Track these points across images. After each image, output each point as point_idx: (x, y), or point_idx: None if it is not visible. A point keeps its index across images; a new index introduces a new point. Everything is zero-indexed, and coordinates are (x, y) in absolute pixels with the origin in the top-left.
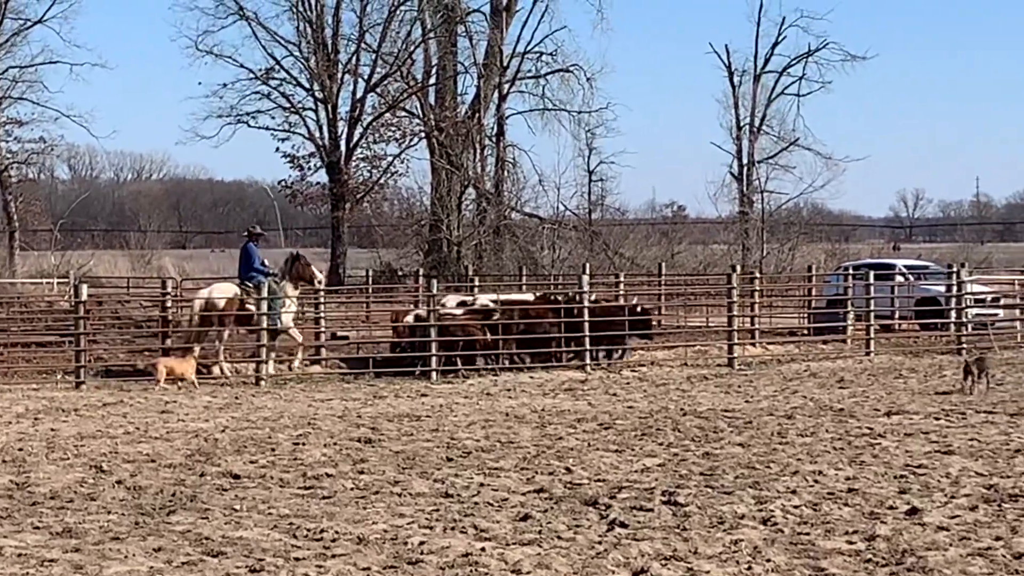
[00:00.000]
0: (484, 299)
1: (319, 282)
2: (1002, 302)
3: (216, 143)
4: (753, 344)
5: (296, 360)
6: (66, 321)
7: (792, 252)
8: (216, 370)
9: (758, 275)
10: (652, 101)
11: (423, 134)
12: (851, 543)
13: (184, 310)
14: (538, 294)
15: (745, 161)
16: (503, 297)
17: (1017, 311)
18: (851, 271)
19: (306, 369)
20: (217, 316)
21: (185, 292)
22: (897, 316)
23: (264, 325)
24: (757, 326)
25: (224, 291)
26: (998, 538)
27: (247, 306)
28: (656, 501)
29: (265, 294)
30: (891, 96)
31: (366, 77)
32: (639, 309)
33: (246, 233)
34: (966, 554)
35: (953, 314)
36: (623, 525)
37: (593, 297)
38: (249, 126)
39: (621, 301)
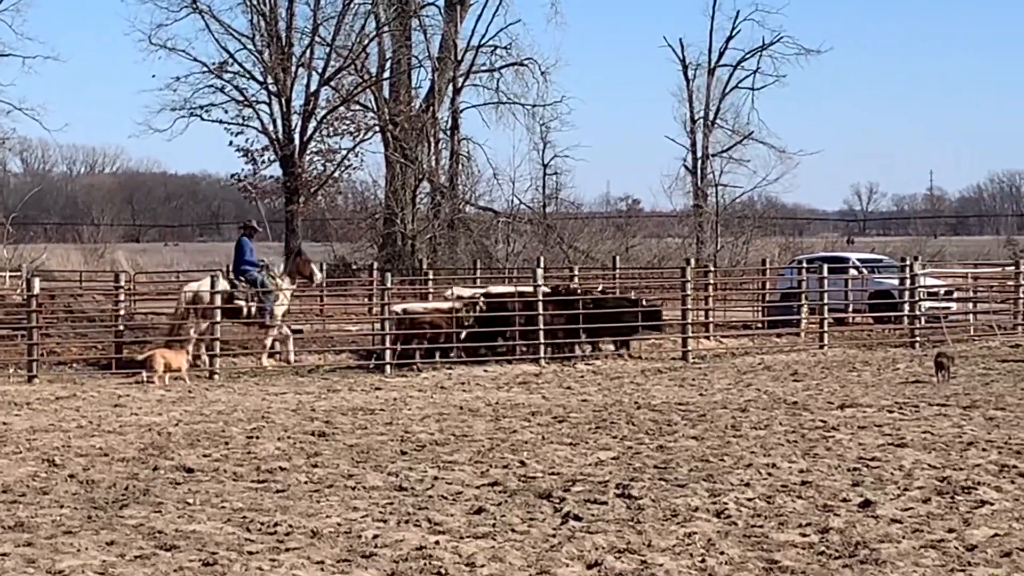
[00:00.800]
0: (498, 290)
1: (318, 279)
2: (955, 295)
3: (169, 136)
4: (707, 337)
5: (278, 353)
6: (18, 315)
7: (746, 245)
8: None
9: (712, 268)
10: (607, 95)
11: (377, 128)
12: (804, 535)
13: (172, 302)
14: (550, 287)
15: (699, 155)
16: (521, 289)
17: (970, 304)
18: (805, 264)
19: (260, 363)
20: (202, 309)
21: (139, 286)
22: (851, 309)
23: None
24: (711, 319)
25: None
26: (951, 530)
27: (236, 300)
28: (610, 494)
29: (258, 288)
30: (845, 90)
31: (320, 70)
32: (644, 301)
33: (241, 227)
34: (919, 546)
35: (906, 307)
36: (577, 518)
37: (600, 289)
38: (202, 119)
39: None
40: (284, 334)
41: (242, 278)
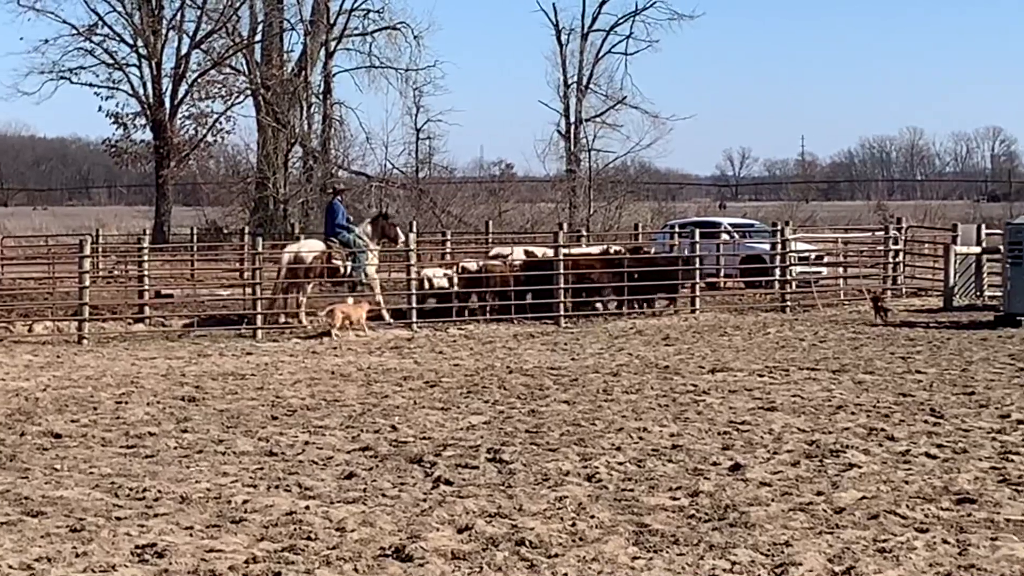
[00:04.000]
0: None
1: (403, 242)
2: (825, 260)
3: (38, 100)
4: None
5: (384, 312)
6: None
7: (619, 210)
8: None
9: (585, 233)
10: (480, 59)
11: (249, 91)
12: (675, 499)
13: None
14: (600, 248)
15: (573, 119)
16: (574, 250)
17: (840, 268)
18: (677, 229)
19: (129, 328)
20: (304, 269)
21: (7, 250)
22: (722, 274)
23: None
24: (584, 284)
25: (312, 247)
26: (819, 493)
27: (334, 260)
28: (481, 458)
29: (352, 248)
30: (718, 55)
31: (191, 33)
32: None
33: (331, 190)
34: (788, 509)
35: (777, 272)
36: (448, 483)
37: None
38: (72, 82)
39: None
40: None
41: (335, 239)
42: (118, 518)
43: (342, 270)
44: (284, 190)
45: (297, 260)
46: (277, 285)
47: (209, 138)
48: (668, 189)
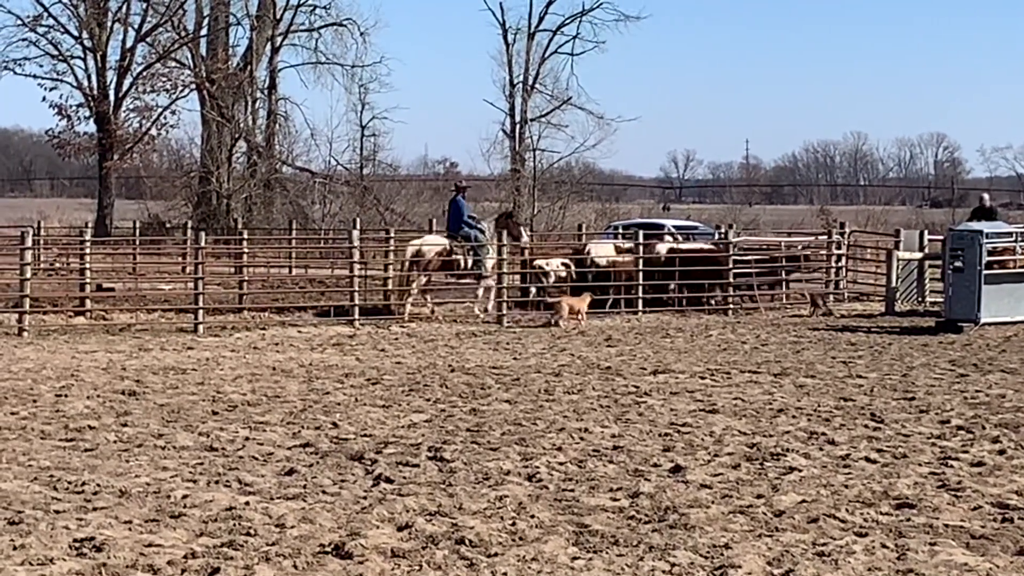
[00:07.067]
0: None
1: (524, 240)
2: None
3: None
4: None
5: (483, 304)
6: None
7: (563, 211)
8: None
9: (529, 233)
10: (426, 57)
11: (194, 85)
12: (615, 500)
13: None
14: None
15: (518, 119)
16: (686, 246)
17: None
18: (621, 230)
19: (70, 321)
20: (424, 263)
21: None
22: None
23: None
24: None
25: (436, 241)
26: (759, 496)
27: (455, 255)
28: (422, 457)
29: (472, 243)
30: (664, 57)
31: (136, 26)
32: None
33: (454, 187)
34: (728, 511)
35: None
36: (389, 480)
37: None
38: (16, 73)
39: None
40: (490, 285)
41: (459, 235)
42: (56, 511)
43: (462, 264)
44: (228, 185)
45: (419, 254)
46: (400, 278)
47: (153, 131)
48: (612, 190)
